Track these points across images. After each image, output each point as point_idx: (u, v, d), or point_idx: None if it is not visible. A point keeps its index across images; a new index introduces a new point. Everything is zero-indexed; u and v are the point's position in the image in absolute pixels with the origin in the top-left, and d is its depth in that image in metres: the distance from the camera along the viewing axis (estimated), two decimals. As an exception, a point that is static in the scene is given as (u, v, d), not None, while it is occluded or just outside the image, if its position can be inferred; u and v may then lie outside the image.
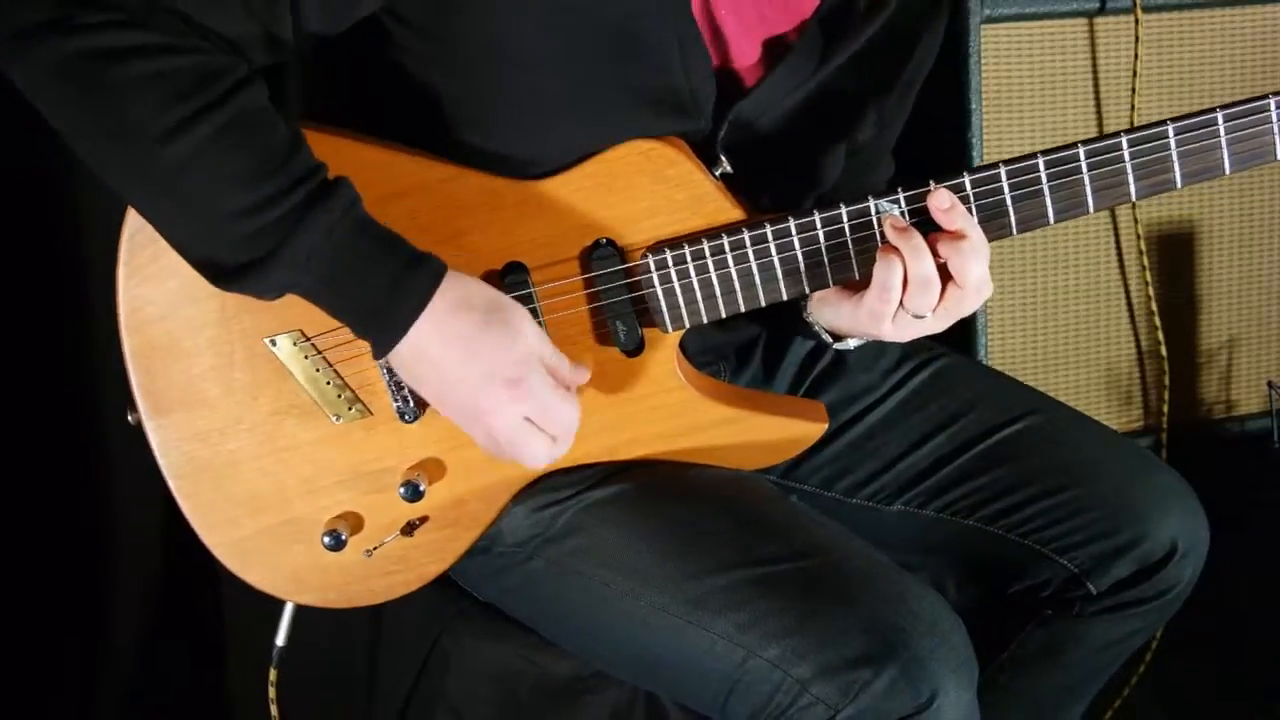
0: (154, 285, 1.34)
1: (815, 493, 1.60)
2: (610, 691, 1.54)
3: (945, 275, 1.30)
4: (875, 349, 1.62)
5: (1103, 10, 2.05)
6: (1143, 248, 2.13)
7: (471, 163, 1.32)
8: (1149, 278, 2.14)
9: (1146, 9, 2.04)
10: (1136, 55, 2.05)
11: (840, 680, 1.23)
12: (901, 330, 1.34)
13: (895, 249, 1.29)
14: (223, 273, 1.20)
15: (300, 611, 1.49)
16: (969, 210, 1.30)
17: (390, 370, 1.35)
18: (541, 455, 1.30)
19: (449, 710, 1.60)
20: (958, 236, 1.28)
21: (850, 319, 1.39)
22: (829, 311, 1.43)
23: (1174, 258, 2.17)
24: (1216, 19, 2.09)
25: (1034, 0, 2.02)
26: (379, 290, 1.22)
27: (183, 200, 1.18)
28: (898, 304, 1.31)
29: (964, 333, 2.06)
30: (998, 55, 2.04)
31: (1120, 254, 2.15)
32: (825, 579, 1.29)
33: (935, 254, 1.29)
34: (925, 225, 1.30)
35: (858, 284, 1.35)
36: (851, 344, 1.49)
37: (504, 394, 1.25)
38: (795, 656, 1.25)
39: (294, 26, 1.22)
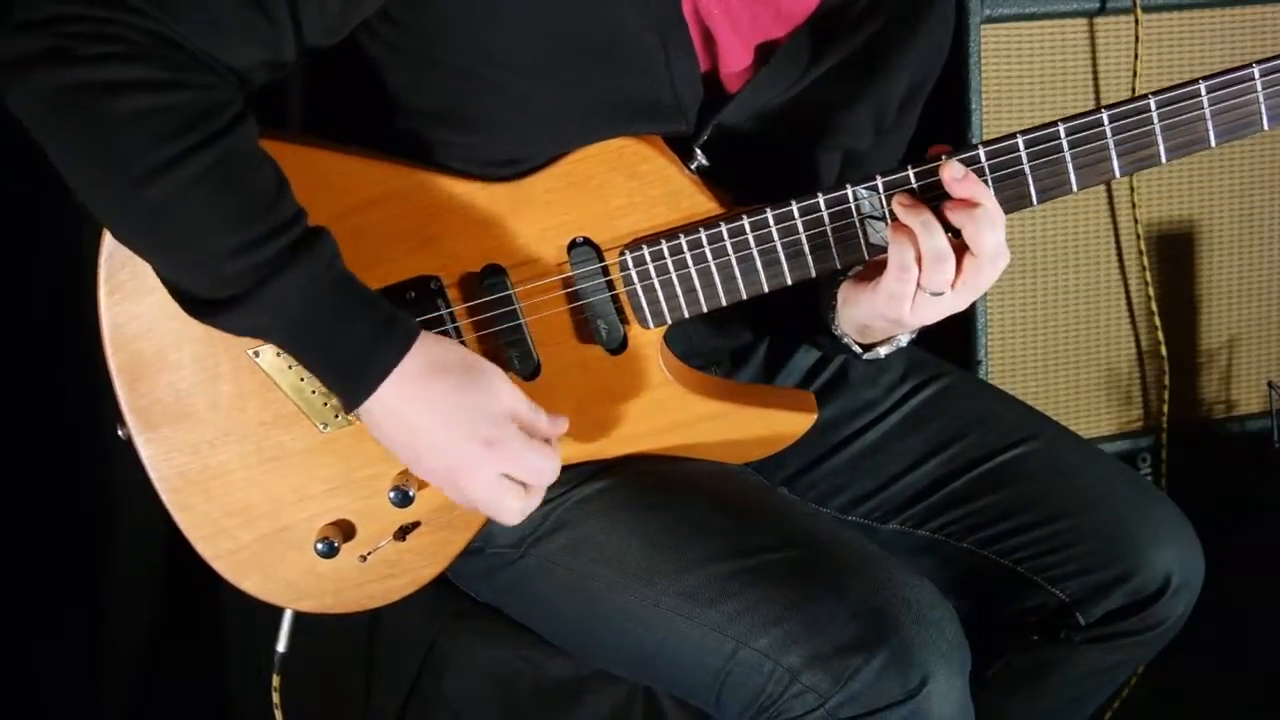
0: (135, 301, 1.34)
1: (812, 507, 1.59)
2: (609, 691, 1.54)
3: (960, 249, 1.28)
4: (879, 363, 1.59)
5: (1103, 10, 2.05)
6: (1143, 248, 2.13)
7: (456, 163, 1.33)
8: (1149, 278, 2.14)
9: (1146, 9, 2.04)
10: (1136, 55, 2.05)
11: (830, 668, 1.24)
12: (921, 313, 1.31)
13: (905, 227, 1.27)
14: (196, 305, 1.21)
15: (300, 615, 1.49)
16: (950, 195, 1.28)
17: None
18: (516, 510, 1.30)
19: (448, 711, 1.61)
20: (971, 204, 1.26)
21: (869, 308, 1.36)
22: (850, 310, 1.40)
23: (1174, 258, 2.17)
24: (1216, 19, 2.09)
25: (1034, 0, 2.02)
26: (354, 346, 1.22)
27: (166, 236, 1.18)
28: (915, 283, 1.28)
29: (964, 333, 2.07)
30: (998, 55, 2.04)
31: (1120, 254, 2.15)
32: (815, 567, 1.30)
33: (947, 227, 1.27)
34: (934, 200, 1.28)
35: (872, 273, 1.34)
36: (883, 352, 1.47)
37: (481, 455, 1.26)
38: (785, 645, 1.26)
39: (296, 48, 1.22)
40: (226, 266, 1.17)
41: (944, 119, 2.01)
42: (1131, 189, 2.11)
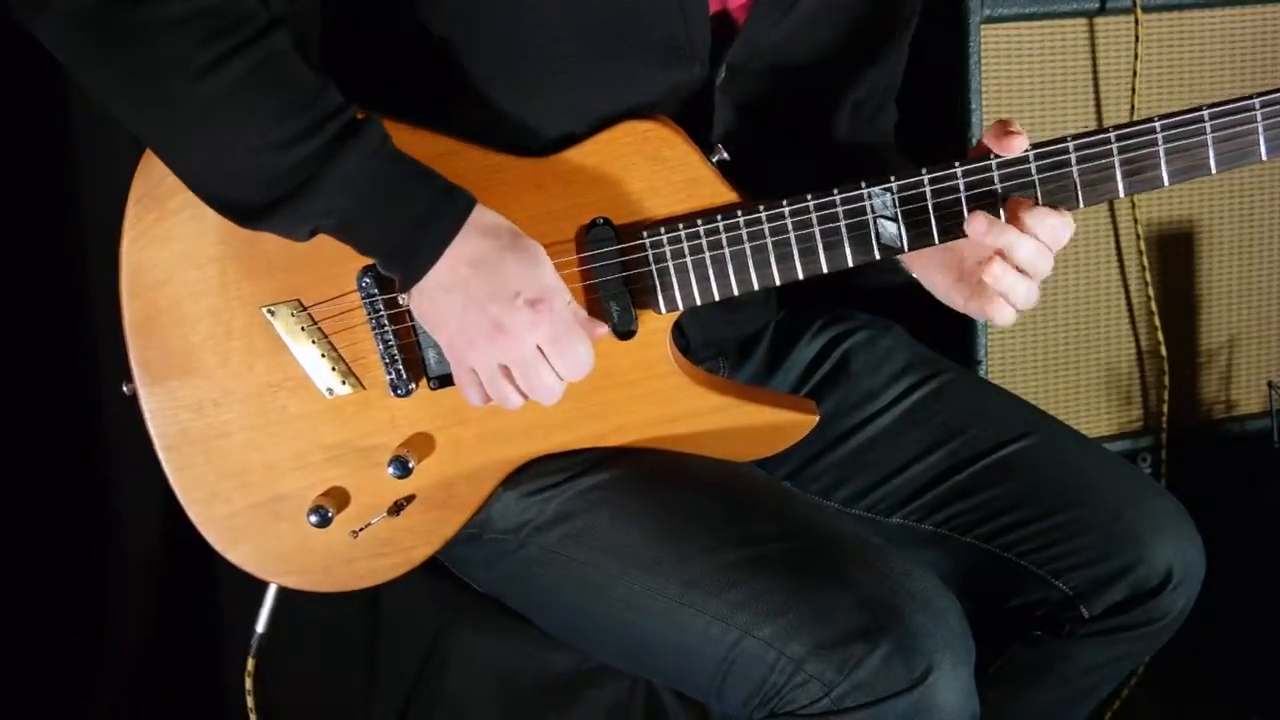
0: (158, 248, 1.36)
1: (816, 501, 1.60)
2: (610, 685, 1.55)
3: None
4: (880, 356, 1.63)
5: (1103, 10, 2.05)
6: (1143, 248, 2.13)
7: (482, 127, 1.34)
8: (1149, 278, 2.14)
9: (1146, 9, 2.05)
10: (1136, 55, 2.05)
11: (835, 657, 1.24)
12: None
13: (999, 261, 1.30)
14: (254, 211, 1.22)
15: (298, 613, 1.49)
16: (959, 200, 1.31)
17: (385, 341, 1.36)
18: (552, 387, 1.30)
19: (450, 707, 1.61)
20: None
21: (943, 296, 1.43)
22: (929, 282, 1.45)
23: (1174, 258, 2.17)
24: (1216, 19, 2.09)
25: (1034, 0, 2.03)
26: (414, 217, 1.24)
27: (220, 137, 1.20)
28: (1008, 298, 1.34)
29: (964, 333, 2.06)
30: (998, 55, 2.04)
31: (1120, 254, 2.15)
32: (819, 557, 1.30)
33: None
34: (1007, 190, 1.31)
35: (960, 269, 1.38)
36: None
37: (526, 314, 1.26)
38: (789, 634, 1.26)
39: None
40: (281, 159, 1.20)
41: (944, 119, 2.02)
42: (1132, 189, 2.12)
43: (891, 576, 1.28)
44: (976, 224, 1.30)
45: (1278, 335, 2.23)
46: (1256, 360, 2.24)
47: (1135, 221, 2.13)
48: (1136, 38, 2.05)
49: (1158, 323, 2.15)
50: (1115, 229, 2.14)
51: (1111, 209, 2.13)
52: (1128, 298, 2.17)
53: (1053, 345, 2.16)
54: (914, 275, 1.48)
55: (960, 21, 1.98)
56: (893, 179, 1.31)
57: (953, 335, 2.01)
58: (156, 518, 1.90)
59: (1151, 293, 2.14)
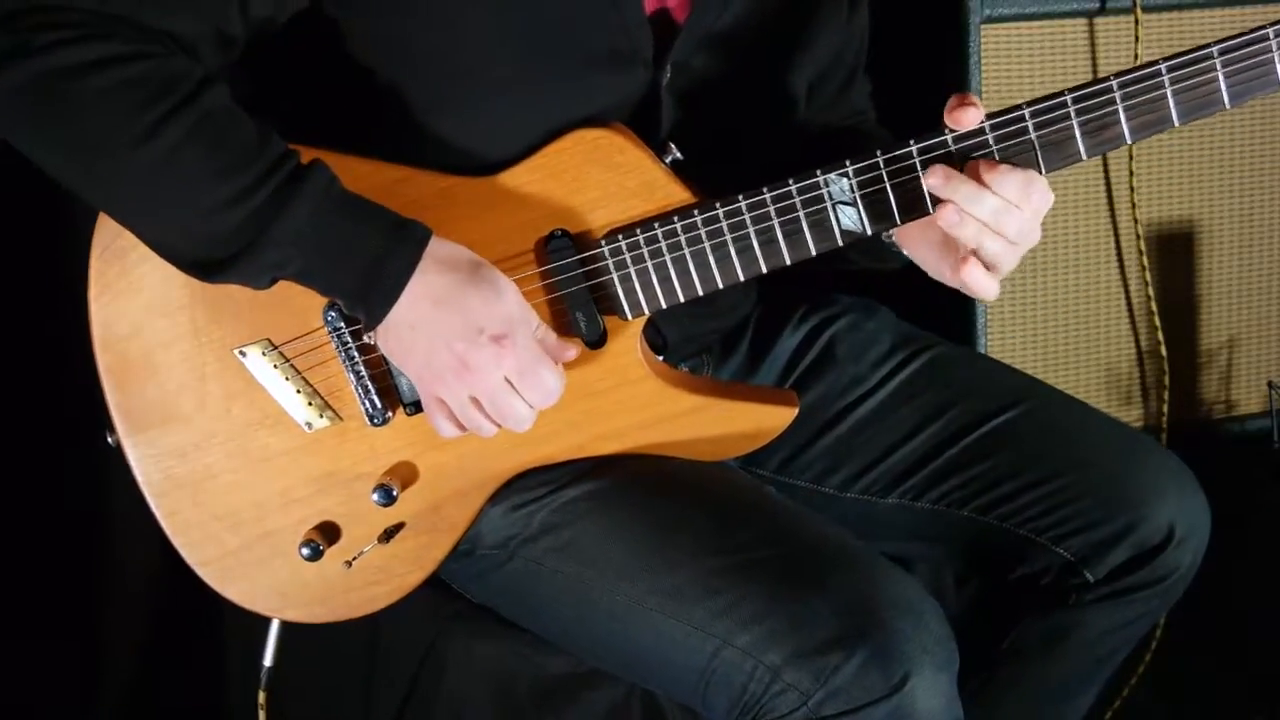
0: (125, 300, 1.36)
1: (810, 488, 1.60)
2: (607, 688, 1.54)
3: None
4: (865, 340, 1.62)
5: (1103, 10, 2.04)
6: (1143, 248, 2.13)
7: (431, 153, 1.34)
8: (1149, 278, 2.13)
9: (1146, 9, 2.04)
10: (1136, 55, 2.05)
11: (812, 665, 1.23)
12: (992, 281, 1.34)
13: (953, 207, 1.28)
14: (212, 267, 1.22)
15: (295, 624, 1.49)
16: (918, 178, 1.29)
17: (357, 373, 1.36)
18: (525, 415, 1.30)
19: (447, 711, 1.61)
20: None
21: (934, 271, 1.41)
22: (921, 260, 1.44)
23: (1174, 258, 2.16)
24: (1216, 19, 2.08)
25: (1034, 0, 2.02)
26: (369, 257, 1.24)
27: (163, 203, 1.20)
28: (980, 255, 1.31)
29: (964, 332, 2.07)
30: (998, 55, 2.04)
31: (1120, 254, 2.15)
32: (798, 564, 1.30)
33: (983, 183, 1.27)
34: (964, 152, 1.30)
35: (945, 241, 1.36)
36: None
37: (490, 350, 1.26)
38: (767, 643, 1.25)
39: (242, 19, 1.25)
40: (229, 218, 1.20)
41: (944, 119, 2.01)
42: (1131, 189, 2.11)
43: (871, 583, 1.27)
44: (933, 178, 1.28)
45: (1278, 335, 2.23)
46: (1256, 360, 2.23)
47: (1135, 221, 2.12)
48: (1136, 38, 2.04)
49: (1158, 323, 2.15)
50: (1115, 229, 2.14)
51: (1111, 209, 2.13)
52: (1128, 298, 2.16)
53: (1053, 345, 2.16)
54: (906, 254, 1.47)
55: (960, 21, 1.98)
56: (848, 163, 1.31)
57: (952, 336, 2.01)
58: (157, 536, 1.91)
59: (1151, 293, 2.14)
